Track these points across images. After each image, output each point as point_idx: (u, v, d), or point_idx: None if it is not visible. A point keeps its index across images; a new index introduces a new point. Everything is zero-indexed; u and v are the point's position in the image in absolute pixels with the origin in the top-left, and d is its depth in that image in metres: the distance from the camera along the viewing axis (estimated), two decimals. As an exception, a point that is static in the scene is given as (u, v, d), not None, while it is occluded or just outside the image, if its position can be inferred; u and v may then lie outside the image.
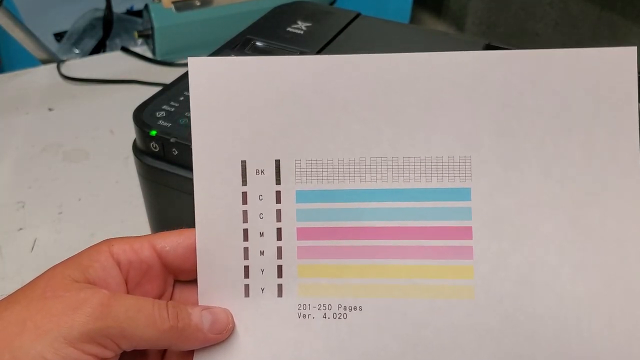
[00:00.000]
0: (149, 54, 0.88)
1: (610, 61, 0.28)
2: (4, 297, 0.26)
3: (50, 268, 0.27)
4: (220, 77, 0.29)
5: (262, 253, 0.29)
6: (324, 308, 0.29)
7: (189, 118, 0.44)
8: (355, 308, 0.29)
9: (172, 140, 0.42)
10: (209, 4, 0.86)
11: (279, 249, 0.29)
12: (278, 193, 0.29)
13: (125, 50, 0.89)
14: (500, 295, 0.28)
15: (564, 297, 0.28)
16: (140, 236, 0.29)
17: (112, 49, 0.99)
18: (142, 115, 0.44)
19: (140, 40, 0.90)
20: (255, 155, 0.29)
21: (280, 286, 0.29)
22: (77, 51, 1.02)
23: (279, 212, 0.29)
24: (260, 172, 0.29)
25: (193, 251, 0.29)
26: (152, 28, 0.85)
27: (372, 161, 0.29)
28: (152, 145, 0.43)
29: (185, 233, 0.30)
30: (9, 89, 0.81)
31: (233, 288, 0.29)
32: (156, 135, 0.42)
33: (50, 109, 0.77)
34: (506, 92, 0.28)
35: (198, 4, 0.86)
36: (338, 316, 0.29)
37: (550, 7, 0.85)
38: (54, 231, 0.60)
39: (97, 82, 0.82)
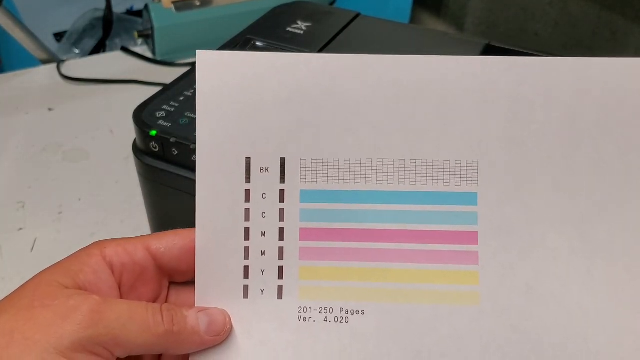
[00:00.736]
0: (149, 54, 0.88)
1: (620, 72, 0.28)
2: (4, 297, 0.26)
3: (38, 274, 0.26)
4: (228, 71, 0.29)
5: (263, 253, 0.29)
6: (326, 311, 0.28)
7: (189, 118, 0.44)
8: (357, 312, 0.28)
9: (172, 140, 0.42)
10: (209, 4, 0.86)
11: (281, 250, 0.29)
12: (282, 192, 0.29)
13: (125, 50, 0.89)
14: (506, 304, 0.28)
15: (572, 310, 0.28)
16: (133, 237, 0.29)
17: (112, 49, 0.99)
18: (142, 115, 0.44)
19: (140, 40, 0.90)
20: (261, 152, 0.29)
21: (280, 288, 0.29)
22: (77, 51, 1.01)
23: (282, 211, 0.29)
24: (264, 169, 0.29)
25: (189, 252, 0.29)
26: (152, 28, 0.84)
27: (378, 163, 0.29)
28: (152, 145, 0.43)
29: (181, 233, 0.29)
30: (9, 89, 0.81)
31: (232, 289, 0.29)
32: (156, 135, 0.42)
33: (50, 109, 0.77)
34: (516, 100, 0.28)
35: (198, 4, 0.86)
36: (340, 320, 0.28)
37: (550, 7, 0.85)
38: (54, 231, 0.59)
39: (97, 82, 0.82)
